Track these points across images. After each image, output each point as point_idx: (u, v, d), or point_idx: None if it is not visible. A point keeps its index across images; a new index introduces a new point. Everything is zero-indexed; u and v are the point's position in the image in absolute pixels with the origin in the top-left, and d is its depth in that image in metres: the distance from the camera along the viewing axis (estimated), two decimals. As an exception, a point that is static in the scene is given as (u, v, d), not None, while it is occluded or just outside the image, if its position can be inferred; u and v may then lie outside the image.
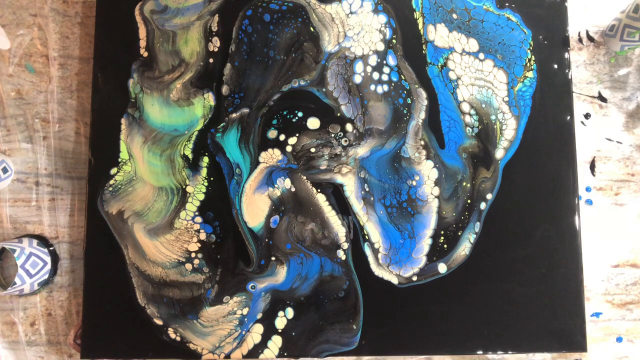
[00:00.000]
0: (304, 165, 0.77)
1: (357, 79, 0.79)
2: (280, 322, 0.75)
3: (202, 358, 0.74)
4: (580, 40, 0.85)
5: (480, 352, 0.76)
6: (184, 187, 0.77)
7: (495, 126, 0.79)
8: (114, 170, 0.77)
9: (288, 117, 0.78)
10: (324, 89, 0.78)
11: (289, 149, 0.77)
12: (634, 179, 0.83)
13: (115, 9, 0.79)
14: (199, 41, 0.79)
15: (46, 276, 0.77)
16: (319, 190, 0.77)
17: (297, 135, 0.77)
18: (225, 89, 0.78)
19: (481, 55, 0.79)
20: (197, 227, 0.76)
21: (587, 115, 0.84)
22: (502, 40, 0.80)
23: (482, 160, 0.78)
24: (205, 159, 0.77)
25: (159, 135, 0.78)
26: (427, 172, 0.78)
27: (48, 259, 0.77)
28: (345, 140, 0.78)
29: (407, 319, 0.76)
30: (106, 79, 0.78)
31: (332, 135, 0.78)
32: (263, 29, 0.79)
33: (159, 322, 0.75)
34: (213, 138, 0.77)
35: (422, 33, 0.80)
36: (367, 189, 0.77)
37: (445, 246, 0.77)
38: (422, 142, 0.78)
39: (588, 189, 0.83)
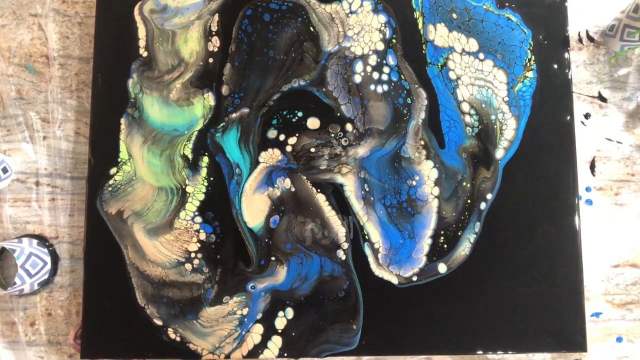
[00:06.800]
0: (304, 165, 0.77)
1: (357, 79, 0.78)
2: (280, 322, 0.75)
3: (202, 358, 0.74)
4: (580, 40, 0.85)
5: (480, 352, 0.76)
6: (183, 187, 0.77)
7: (495, 126, 0.79)
8: (113, 170, 0.77)
9: (288, 117, 0.78)
10: (324, 89, 0.78)
11: (289, 148, 0.77)
12: (634, 179, 0.83)
13: (114, 8, 0.79)
14: (198, 41, 0.79)
15: (46, 276, 0.77)
16: (319, 190, 0.77)
17: (297, 135, 0.77)
18: (225, 89, 0.78)
19: (481, 55, 0.79)
20: (196, 227, 0.76)
21: (587, 115, 0.84)
22: (502, 40, 0.80)
23: (482, 160, 0.78)
24: (205, 159, 0.77)
25: (158, 135, 0.78)
26: (427, 172, 0.78)
27: (48, 259, 0.77)
28: (345, 140, 0.78)
29: (407, 319, 0.75)
30: (106, 79, 0.78)
31: (332, 135, 0.78)
32: (263, 28, 0.79)
33: (159, 322, 0.75)
34: (213, 138, 0.77)
35: (422, 33, 0.80)
36: (367, 189, 0.77)
37: (445, 246, 0.77)
38: (422, 142, 0.78)
39: (588, 189, 0.83)
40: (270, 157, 0.77)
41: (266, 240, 0.76)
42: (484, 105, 0.79)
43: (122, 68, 0.78)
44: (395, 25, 0.80)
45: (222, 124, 0.78)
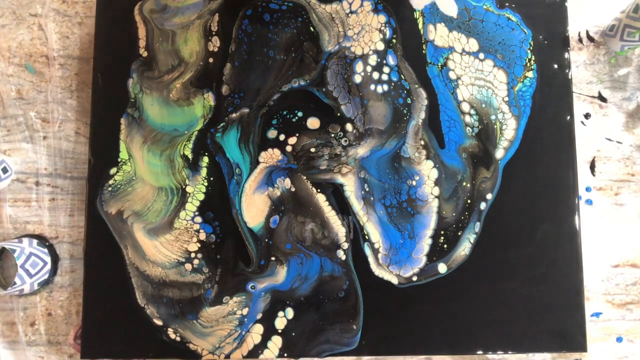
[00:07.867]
0: (304, 165, 0.77)
1: (357, 79, 0.78)
2: (280, 323, 0.75)
3: (202, 358, 0.74)
4: (580, 40, 0.85)
5: (480, 352, 0.75)
6: (183, 187, 0.77)
7: (495, 126, 0.79)
8: (113, 170, 0.77)
9: (288, 117, 0.78)
10: (324, 89, 0.78)
11: (289, 148, 0.77)
12: (634, 179, 0.83)
13: (115, 8, 0.79)
14: (198, 41, 0.79)
15: (46, 276, 0.77)
16: (319, 190, 0.77)
17: (297, 135, 0.77)
18: (225, 89, 0.78)
19: (481, 55, 0.79)
20: (196, 227, 0.76)
21: (587, 115, 0.84)
22: (502, 40, 0.80)
23: (482, 160, 0.78)
24: (205, 159, 0.77)
25: (158, 135, 0.78)
26: (427, 172, 0.78)
27: (48, 259, 0.77)
28: (345, 140, 0.78)
29: (407, 319, 0.75)
30: (106, 79, 0.78)
31: (332, 135, 0.78)
32: (263, 28, 0.79)
33: (159, 322, 0.75)
34: (213, 138, 0.77)
35: (422, 33, 0.80)
36: (367, 189, 0.77)
37: (445, 246, 0.77)
38: (422, 142, 0.78)
39: (588, 189, 0.83)
40: (270, 157, 0.77)
41: (266, 240, 0.76)
42: (484, 105, 0.79)
43: (122, 68, 0.78)
44: (395, 25, 0.80)
45: (222, 124, 0.78)
